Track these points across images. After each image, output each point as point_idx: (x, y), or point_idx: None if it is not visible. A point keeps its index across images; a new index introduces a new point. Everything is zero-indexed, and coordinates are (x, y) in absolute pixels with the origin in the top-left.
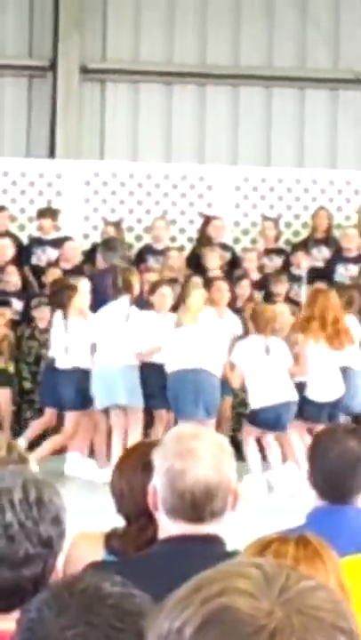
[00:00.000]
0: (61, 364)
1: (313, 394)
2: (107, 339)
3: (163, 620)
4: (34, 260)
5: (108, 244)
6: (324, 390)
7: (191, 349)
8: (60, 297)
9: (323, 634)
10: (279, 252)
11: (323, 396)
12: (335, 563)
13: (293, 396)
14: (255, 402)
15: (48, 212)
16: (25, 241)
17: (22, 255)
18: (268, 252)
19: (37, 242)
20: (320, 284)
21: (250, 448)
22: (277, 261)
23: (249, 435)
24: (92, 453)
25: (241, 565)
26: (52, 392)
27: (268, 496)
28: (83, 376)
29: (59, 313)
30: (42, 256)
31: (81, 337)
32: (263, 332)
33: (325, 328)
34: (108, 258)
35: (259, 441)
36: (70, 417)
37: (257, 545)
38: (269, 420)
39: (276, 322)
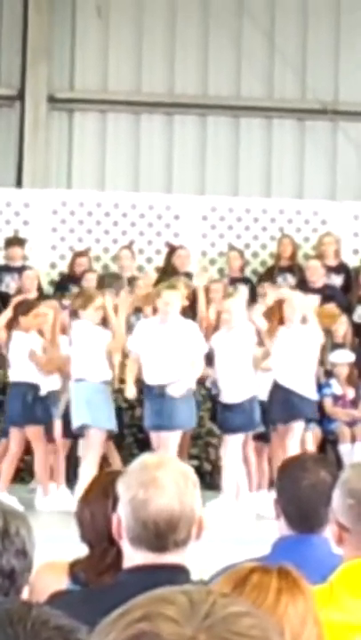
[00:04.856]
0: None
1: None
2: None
3: None
4: (2, 288)
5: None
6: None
7: (159, 362)
8: (18, 310)
9: None
10: (245, 281)
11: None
12: (311, 594)
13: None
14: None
15: (17, 241)
16: None
17: None
18: (234, 281)
19: (6, 269)
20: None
21: (233, 470)
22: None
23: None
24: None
25: (168, 591)
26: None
27: (232, 524)
28: (24, 391)
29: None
30: (11, 283)
31: (20, 351)
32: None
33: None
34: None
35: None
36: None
37: (234, 576)
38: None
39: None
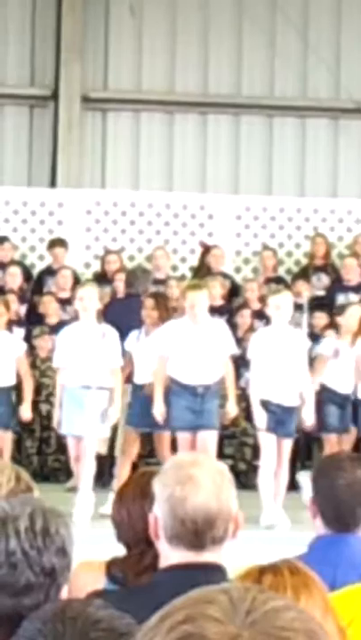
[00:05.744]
0: None
1: None
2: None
3: None
4: (46, 289)
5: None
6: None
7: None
8: None
9: None
10: (278, 280)
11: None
12: (323, 586)
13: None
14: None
15: (60, 242)
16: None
17: (32, 284)
18: (268, 280)
19: (49, 272)
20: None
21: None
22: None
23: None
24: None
25: (208, 591)
26: None
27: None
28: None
29: None
30: (53, 285)
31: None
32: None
33: None
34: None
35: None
36: None
37: (247, 578)
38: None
39: None
